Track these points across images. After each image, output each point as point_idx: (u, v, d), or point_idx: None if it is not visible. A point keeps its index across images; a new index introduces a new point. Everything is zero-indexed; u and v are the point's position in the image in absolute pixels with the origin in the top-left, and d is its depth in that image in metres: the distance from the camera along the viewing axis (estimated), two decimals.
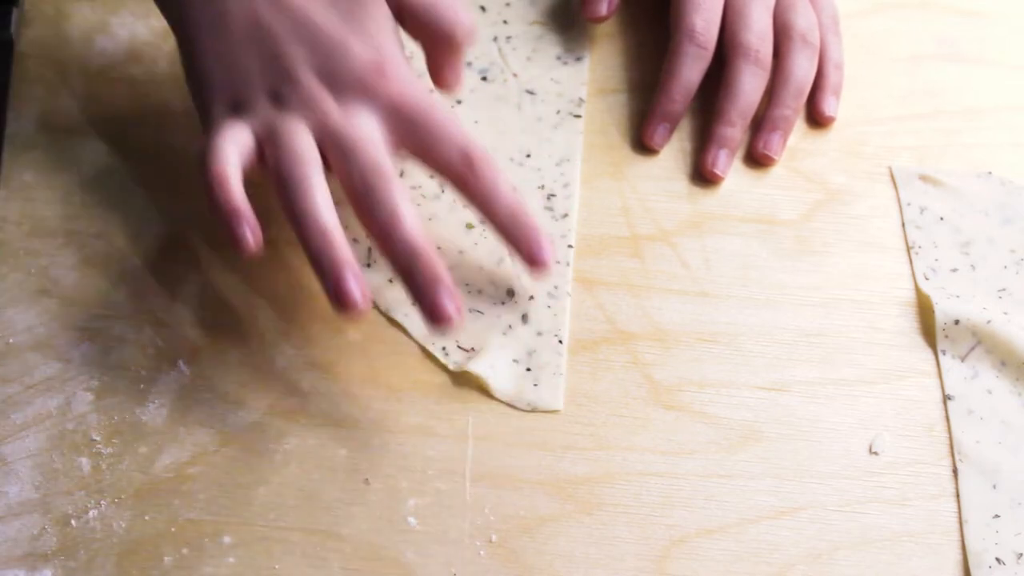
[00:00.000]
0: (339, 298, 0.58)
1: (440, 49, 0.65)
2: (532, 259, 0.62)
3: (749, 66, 0.70)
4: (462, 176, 0.62)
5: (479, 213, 0.63)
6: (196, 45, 0.63)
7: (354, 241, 0.66)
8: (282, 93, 0.61)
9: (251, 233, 0.58)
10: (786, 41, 0.72)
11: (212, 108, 0.62)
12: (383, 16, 0.63)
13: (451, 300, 0.58)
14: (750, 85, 0.70)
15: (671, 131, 0.71)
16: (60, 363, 0.63)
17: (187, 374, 0.63)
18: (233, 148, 0.60)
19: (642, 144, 0.71)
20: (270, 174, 0.61)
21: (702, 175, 0.70)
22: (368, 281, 0.65)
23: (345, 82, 0.61)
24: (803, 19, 0.72)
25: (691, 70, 0.71)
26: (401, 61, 0.63)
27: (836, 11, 0.75)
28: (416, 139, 0.62)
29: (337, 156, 0.60)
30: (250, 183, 0.60)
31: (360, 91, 0.61)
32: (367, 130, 0.61)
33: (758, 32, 0.71)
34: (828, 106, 0.72)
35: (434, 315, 0.58)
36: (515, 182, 0.69)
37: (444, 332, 0.59)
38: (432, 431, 0.62)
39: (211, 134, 0.61)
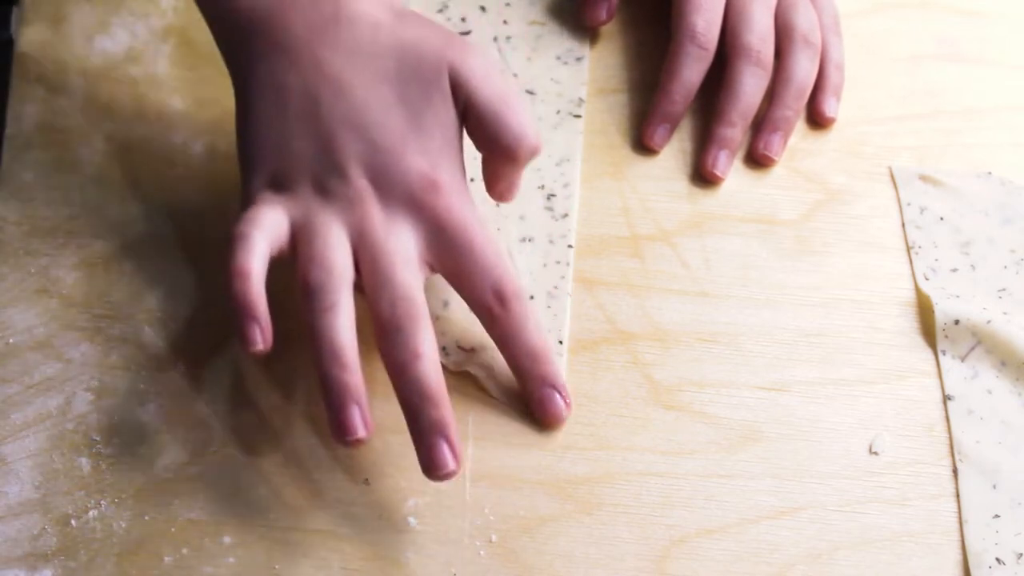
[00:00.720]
0: (339, 426, 0.57)
1: (499, 160, 0.62)
2: (542, 408, 0.62)
3: (750, 67, 0.70)
4: (490, 311, 0.60)
5: (500, 350, 0.62)
6: (251, 111, 0.61)
7: None
8: (328, 185, 0.60)
9: (261, 334, 0.57)
10: (787, 42, 0.71)
11: (254, 178, 0.60)
12: (449, 121, 0.61)
13: (451, 451, 0.57)
14: (751, 86, 0.70)
15: (671, 131, 0.71)
16: (60, 363, 0.63)
17: (187, 374, 0.63)
18: (263, 239, 0.58)
19: (642, 144, 0.71)
20: (298, 277, 0.59)
21: (702, 176, 0.70)
22: None
23: (394, 190, 0.59)
24: (804, 19, 0.72)
25: (691, 71, 0.71)
26: (456, 178, 0.61)
27: (837, 11, 0.74)
28: (452, 264, 0.60)
29: (369, 272, 0.59)
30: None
31: (407, 203, 0.60)
32: (404, 247, 0.59)
33: (759, 33, 0.71)
34: (828, 107, 0.72)
35: (430, 462, 0.57)
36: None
37: (438, 480, 0.57)
38: None
39: (245, 213, 0.59)
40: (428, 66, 0.60)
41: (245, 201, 0.60)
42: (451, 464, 0.57)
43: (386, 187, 0.60)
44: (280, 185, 0.60)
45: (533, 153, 0.61)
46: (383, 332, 0.58)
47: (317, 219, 0.59)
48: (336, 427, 0.57)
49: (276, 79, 0.60)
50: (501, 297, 0.60)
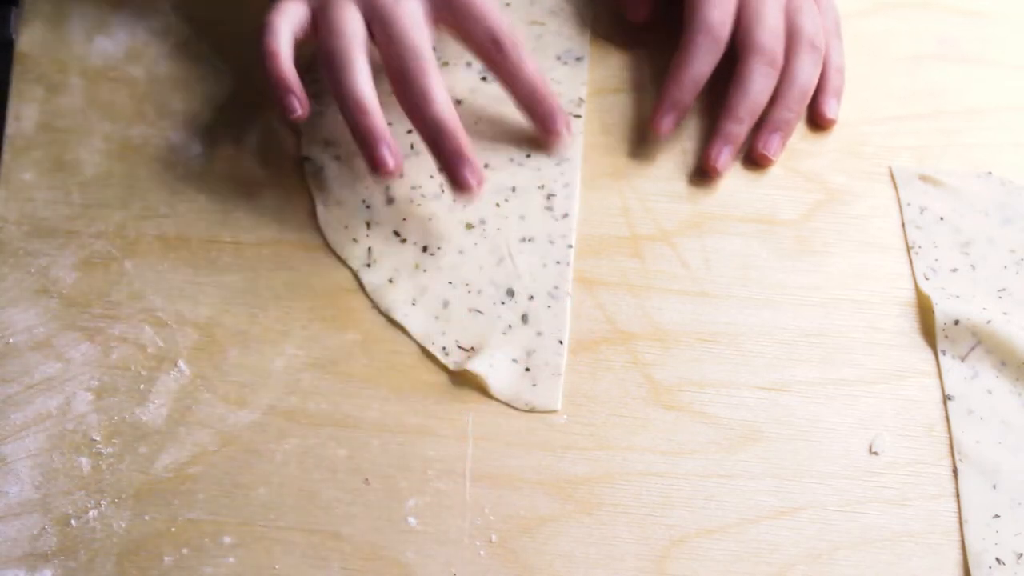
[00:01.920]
0: (374, 164, 0.65)
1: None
2: (546, 129, 0.69)
3: (762, 66, 0.70)
4: (490, 54, 0.68)
5: (504, 88, 0.69)
6: None
7: (353, 241, 0.67)
8: None
9: (298, 101, 0.65)
10: (794, 44, 0.71)
11: None
12: None
13: (471, 172, 0.65)
14: (761, 84, 0.70)
15: (678, 120, 0.71)
16: (60, 363, 0.63)
17: (187, 374, 0.63)
18: (287, 24, 0.67)
19: (645, 138, 0.71)
20: (318, 50, 0.67)
21: (703, 168, 0.70)
22: (368, 282, 0.66)
23: None
24: (811, 23, 0.72)
25: (703, 62, 0.70)
26: None
27: (838, 14, 0.75)
28: (453, 18, 0.68)
29: (381, 34, 0.67)
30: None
31: None
32: (411, 9, 0.67)
33: (773, 32, 0.71)
34: (829, 108, 0.72)
35: (456, 184, 0.65)
36: (515, 182, 0.69)
37: (465, 200, 0.67)
38: (432, 431, 0.62)
39: (271, 9, 0.67)
40: None
41: (270, 3, 0.68)
42: (473, 182, 0.65)
43: None
44: None
45: None
46: (396, 80, 0.66)
47: (332, 1, 0.67)
48: (372, 165, 0.65)
49: None
50: (497, 42, 0.68)
